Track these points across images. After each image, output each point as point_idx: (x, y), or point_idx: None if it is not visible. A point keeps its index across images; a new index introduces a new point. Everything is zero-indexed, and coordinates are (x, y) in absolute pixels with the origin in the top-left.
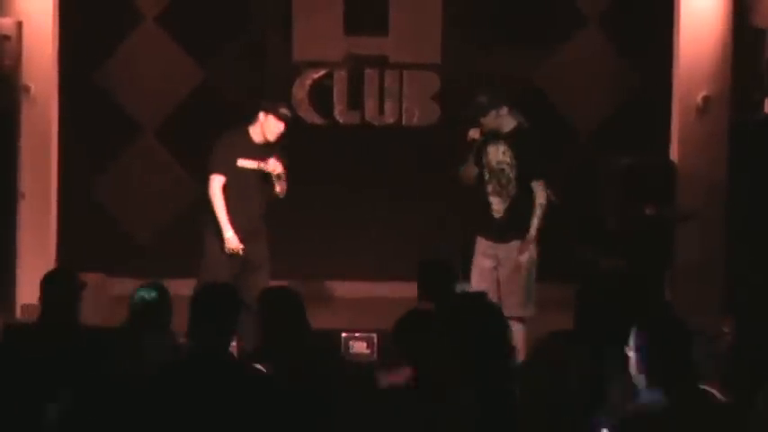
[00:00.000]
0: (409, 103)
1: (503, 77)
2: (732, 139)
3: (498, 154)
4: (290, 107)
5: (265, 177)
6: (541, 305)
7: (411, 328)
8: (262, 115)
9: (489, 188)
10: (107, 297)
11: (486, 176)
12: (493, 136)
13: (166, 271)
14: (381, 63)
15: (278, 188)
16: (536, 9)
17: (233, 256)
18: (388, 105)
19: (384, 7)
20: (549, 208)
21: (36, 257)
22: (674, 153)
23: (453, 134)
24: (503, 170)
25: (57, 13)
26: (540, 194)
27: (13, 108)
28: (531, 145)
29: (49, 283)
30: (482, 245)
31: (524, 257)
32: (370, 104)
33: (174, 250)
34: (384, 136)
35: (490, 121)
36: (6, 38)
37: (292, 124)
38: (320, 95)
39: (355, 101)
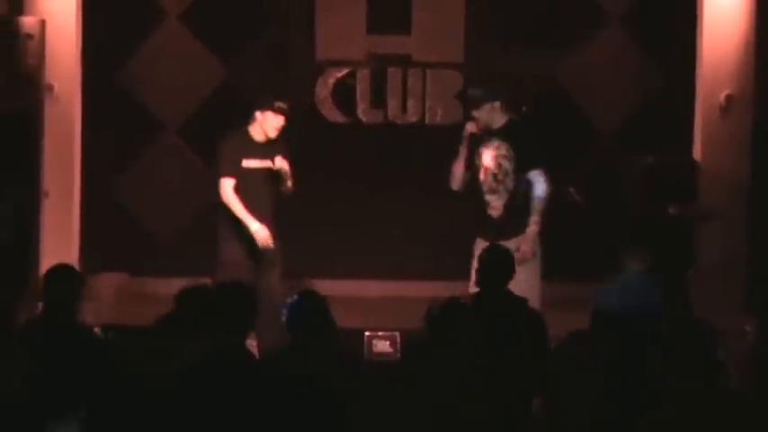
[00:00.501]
0: (432, 102)
1: (525, 76)
2: (755, 138)
3: (492, 149)
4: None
5: (272, 176)
6: (556, 304)
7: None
8: (258, 114)
9: (485, 187)
10: (130, 296)
11: (482, 176)
12: (485, 132)
13: (189, 270)
14: (404, 62)
15: (287, 184)
16: (558, 8)
17: (260, 251)
18: (410, 104)
19: (407, 6)
20: (567, 204)
21: (59, 256)
22: (697, 152)
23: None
24: (499, 164)
25: (80, 12)
26: (539, 186)
27: (37, 107)
28: (526, 139)
29: (51, 279)
30: (481, 246)
31: (525, 254)
32: (393, 103)
33: (197, 249)
34: (407, 135)
35: (484, 114)
36: (30, 36)
37: (316, 123)
38: (343, 94)
39: (378, 100)
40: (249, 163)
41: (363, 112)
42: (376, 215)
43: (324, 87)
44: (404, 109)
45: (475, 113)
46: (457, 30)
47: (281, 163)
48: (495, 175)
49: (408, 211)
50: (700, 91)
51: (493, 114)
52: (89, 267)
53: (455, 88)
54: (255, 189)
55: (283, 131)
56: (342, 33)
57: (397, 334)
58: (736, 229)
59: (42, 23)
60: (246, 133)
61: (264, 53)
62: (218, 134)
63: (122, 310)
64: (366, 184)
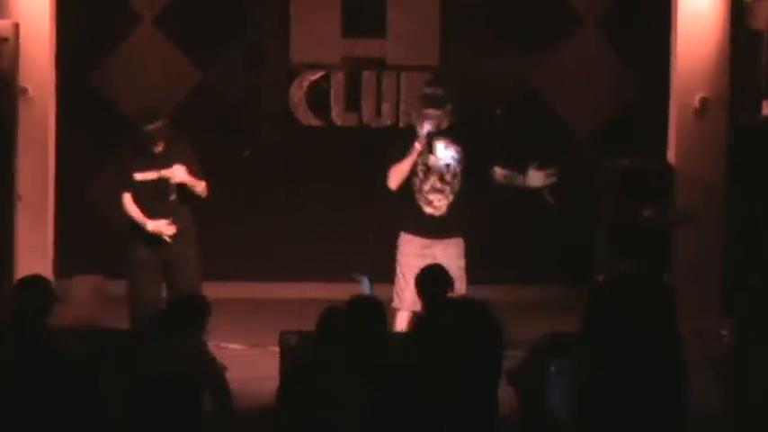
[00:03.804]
0: (406, 105)
1: (501, 79)
2: (730, 141)
3: (441, 149)
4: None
5: (164, 184)
6: (537, 307)
7: None
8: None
9: (427, 186)
10: (105, 298)
11: (421, 174)
12: (436, 132)
13: None
14: (379, 65)
15: (196, 191)
16: (534, 11)
17: (159, 244)
18: (385, 107)
19: (382, 9)
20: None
21: (34, 259)
22: (672, 155)
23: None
24: (447, 165)
25: (54, 15)
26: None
27: (11, 110)
28: (468, 138)
29: (22, 289)
30: (414, 243)
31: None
32: (367, 106)
33: None
34: (381, 138)
35: (442, 114)
36: (3, 40)
37: (290, 126)
38: (318, 97)
39: (353, 103)
40: (141, 175)
41: (338, 115)
42: (351, 218)
43: (298, 90)
44: (378, 112)
45: (433, 112)
46: (432, 33)
47: (175, 173)
48: (441, 176)
49: (383, 214)
50: (674, 94)
51: (448, 115)
52: (64, 270)
53: None
54: (150, 199)
55: (168, 143)
56: (317, 37)
57: None
58: (712, 232)
59: (16, 27)
60: (140, 145)
61: (239, 56)
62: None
63: (98, 313)
64: (341, 186)
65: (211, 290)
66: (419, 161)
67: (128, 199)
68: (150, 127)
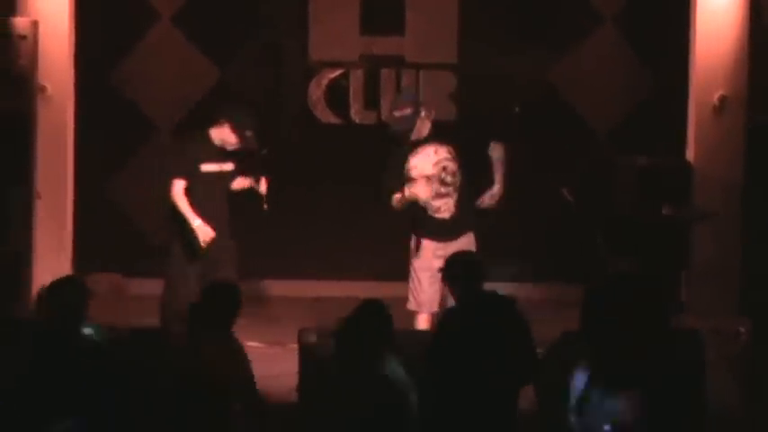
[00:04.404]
0: (425, 103)
1: (519, 77)
2: (749, 139)
3: (431, 157)
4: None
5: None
6: (553, 305)
7: None
8: (221, 121)
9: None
10: (124, 297)
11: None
12: (416, 143)
13: None
14: (398, 63)
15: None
16: (552, 8)
17: (203, 250)
18: None
19: (400, 7)
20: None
21: (52, 258)
22: (690, 153)
23: (471, 133)
24: (444, 167)
25: (73, 13)
26: (496, 151)
27: (29, 108)
28: (462, 136)
29: (57, 290)
30: (430, 247)
31: (493, 197)
32: (386, 104)
33: None
34: None
35: (416, 132)
36: (22, 37)
37: (309, 124)
38: (336, 95)
39: (372, 101)
40: (206, 167)
41: (357, 113)
42: (369, 216)
43: (317, 88)
44: None
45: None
46: (450, 31)
47: (262, 186)
48: (442, 180)
49: (402, 212)
50: (693, 91)
51: (422, 126)
52: (82, 268)
53: (449, 89)
54: (206, 193)
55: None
56: (335, 34)
57: None
58: (730, 231)
59: (35, 24)
60: (206, 135)
61: (258, 54)
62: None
63: (115, 311)
64: (360, 185)
65: None
66: (411, 174)
67: (180, 188)
68: (248, 134)
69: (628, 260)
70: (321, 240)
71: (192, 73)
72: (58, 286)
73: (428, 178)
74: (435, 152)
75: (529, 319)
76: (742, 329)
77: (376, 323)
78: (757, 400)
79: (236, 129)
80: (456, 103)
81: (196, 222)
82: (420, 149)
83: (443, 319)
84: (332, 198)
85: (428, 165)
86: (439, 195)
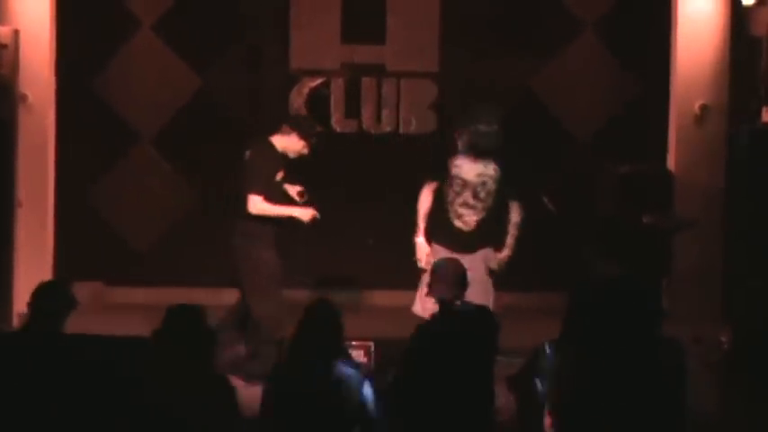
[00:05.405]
0: (406, 112)
1: (500, 85)
2: (730, 147)
3: (479, 165)
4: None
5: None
6: (539, 313)
7: None
8: (287, 129)
9: (459, 200)
10: (105, 305)
11: (457, 188)
12: (477, 150)
13: (164, 279)
14: (379, 71)
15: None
16: (533, 16)
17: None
18: (385, 114)
19: (381, 16)
20: (534, 221)
21: (33, 266)
22: (671, 161)
23: (450, 142)
24: (484, 182)
25: (54, 21)
26: (515, 213)
27: (11, 116)
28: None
29: (42, 294)
30: (441, 255)
31: (502, 261)
32: (367, 113)
33: (172, 258)
34: (381, 144)
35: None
36: (3, 46)
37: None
38: (317, 104)
39: (353, 109)
40: (278, 176)
41: (337, 121)
42: (351, 224)
43: (298, 96)
44: (378, 118)
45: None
46: (431, 39)
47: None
48: (476, 193)
49: (383, 221)
50: (674, 100)
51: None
52: (64, 276)
53: (429, 98)
54: (276, 200)
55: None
56: (316, 43)
57: (372, 344)
58: (712, 238)
59: (16, 33)
60: (273, 145)
61: (239, 62)
62: (250, 146)
63: (97, 320)
64: (340, 193)
65: (220, 296)
66: (456, 176)
67: (260, 200)
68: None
69: (611, 264)
70: (302, 248)
71: (174, 81)
72: (42, 290)
73: (466, 183)
74: (485, 166)
75: (516, 328)
76: (723, 339)
77: (327, 324)
78: (737, 406)
79: (306, 137)
80: (436, 112)
81: (295, 212)
82: (477, 156)
83: (423, 325)
84: (314, 205)
85: (472, 172)
86: (467, 205)
